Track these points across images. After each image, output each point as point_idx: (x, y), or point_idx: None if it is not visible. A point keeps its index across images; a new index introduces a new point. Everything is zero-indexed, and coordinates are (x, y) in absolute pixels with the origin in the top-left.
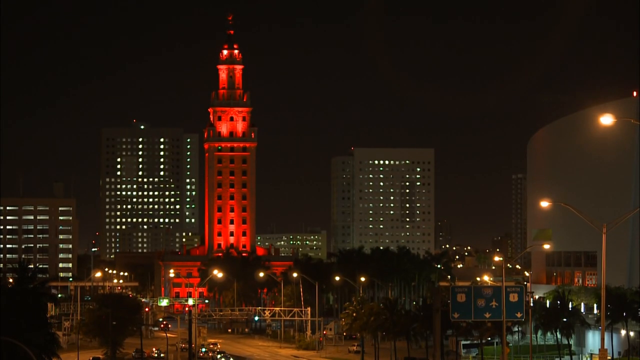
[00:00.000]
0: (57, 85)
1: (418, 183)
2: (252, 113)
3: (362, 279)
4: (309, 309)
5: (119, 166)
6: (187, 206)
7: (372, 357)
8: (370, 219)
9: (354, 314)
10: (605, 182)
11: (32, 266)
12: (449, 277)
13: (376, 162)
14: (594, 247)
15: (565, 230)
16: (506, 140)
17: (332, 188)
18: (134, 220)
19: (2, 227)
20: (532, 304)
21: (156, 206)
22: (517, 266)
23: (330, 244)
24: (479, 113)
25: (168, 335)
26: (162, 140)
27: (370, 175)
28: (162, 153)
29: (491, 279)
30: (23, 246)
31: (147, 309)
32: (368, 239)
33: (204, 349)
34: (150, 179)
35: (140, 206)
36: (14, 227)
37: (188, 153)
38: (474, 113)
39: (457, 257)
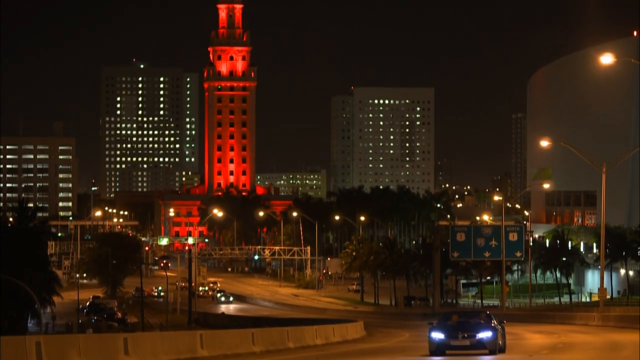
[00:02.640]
0: (57, 25)
1: (418, 122)
2: (252, 52)
3: (362, 218)
4: (308, 248)
5: (118, 105)
6: (187, 145)
7: (372, 295)
8: (370, 158)
9: (354, 253)
10: (605, 122)
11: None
12: (448, 216)
13: (376, 101)
14: (594, 186)
15: (564, 169)
16: (506, 79)
17: (332, 127)
18: (134, 159)
19: (1, 166)
20: (531, 243)
21: (156, 145)
22: (517, 205)
23: (330, 183)
24: (479, 52)
25: (168, 274)
26: (161, 79)
27: (370, 115)
28: (161, 92)
29: (491, 218)
30: (23, 185)
31: (147, 248)
32: (368, 178)
33: (204, 288)
34: (150, 118)
35: (140, 145)
36: (13, 167)
37: (188, 92)
38: (474, 52)
39: (456, 196)
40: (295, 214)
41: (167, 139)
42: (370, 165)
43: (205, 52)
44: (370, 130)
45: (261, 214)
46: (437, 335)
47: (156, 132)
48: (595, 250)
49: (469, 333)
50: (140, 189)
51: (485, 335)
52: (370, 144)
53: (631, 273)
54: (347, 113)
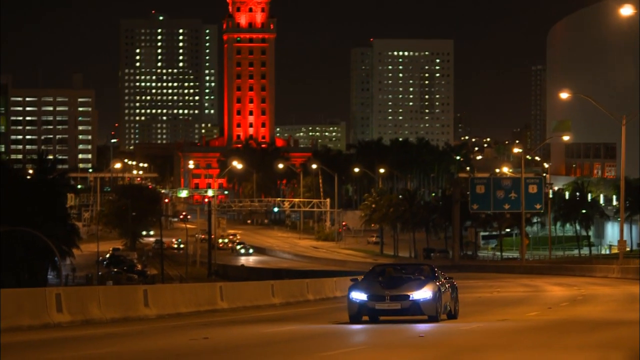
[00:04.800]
0: None
1: (437, 74)
2: (271, 4)
3: (381, 170)
4: (328, 200)
5: (138, 58)
6: (206, 97)
7: (391, 248)
8: (389, 110)
9: (373, 206)
10: (625, 74)
11: (51, 157)
12: (468, 168)
13: (395, 53)
14: (614, 138)
15: (584, 121)
16: (526, 31)
17: (351, 79)
18: (153, 111)
19: (21, 118)
20: (551, 196)
21: (175, 97)
22: (537, 158)
23: (349, 135)
24: (499, 4)
25: (187, 226)
26: (180, 31)
27: (390, 67)
28: (180, 44)
29: (510, 170)
30: (42, 137)
31: (166, 200)
32: (387, 130)
33: (223, 240)
34: (169, 70)
35: (159, 97)
36: (33, 119)
37: (207, 44)
38: (494, 4)
39: (476, 148)
40: (314, 166)
41: (186, 91)
42: (389, 118)
43: (224, 4)
44: (390, 82)
45: (280, 166)
46: (358, 296)
47: (175, 84)
48: (614, 203)
49: (400, 292)
50: (159, 141)
51: (422, 295)
52: (390, 96)
53: None
54: (367, 65)
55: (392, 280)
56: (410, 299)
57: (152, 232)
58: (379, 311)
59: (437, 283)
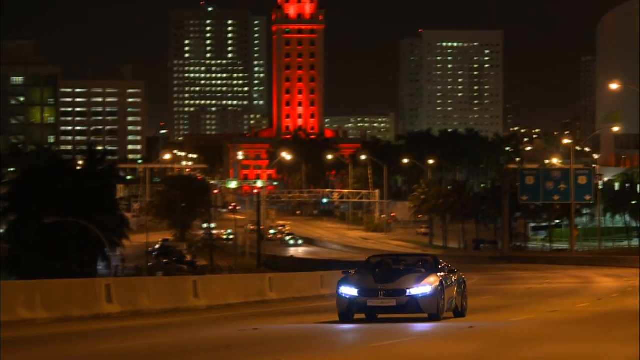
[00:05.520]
0: None
1: (487, 65)
2: None
3: (431, 161)
4: (377, 191)
5: (187, 49)
6: (255, 88)
7: (440, 239)
8: (439, 101)
9: (422, 197)
10: None
11: (101, 148)
12: (517, 159)
13: (444, 44)
14: None
15: (634, 112)
16: (576, 22)
17: (400, 71)
18: (202, 102)
19: (71, 109)
20: (600, 187)
21: (224, 88)
22: (586, 149)
23: (398, 126)
24: None
25: (236, 217)
26: (230, 22)
27: (439, 58)
28: (230, 35)
29: (560, 161)
30: (92, 128)
31: (215, 191)
32: (436, 121)
33: (272, 231)
34: (219, 61)
35: (208, 88)
36: (82, 110)
37: (256, 35)
38: None
39: (525, 139)
40: (363, 157)
41: (235, 82)
42: (438, 109)
43: None
44: (439, 73)
45: (330, 157)
46: (348, 291)
47: (224, 76)
48: None
49: (396, 287)
50: (208, 132)
51: (421, 290)
52: (439, 87)
53: None
54: (416, 56)
55: (388, 273)
56: (407, 294)
57: (213, 225)
58: (371, 308)
59: (440, 276)
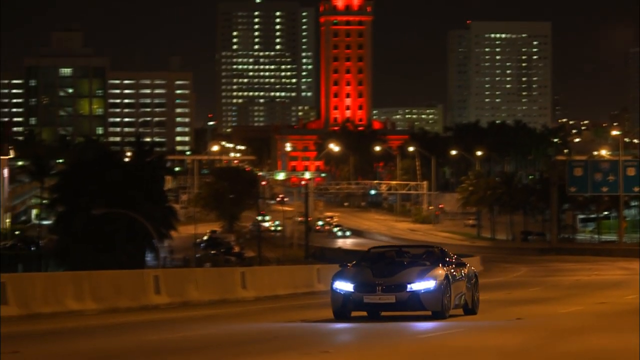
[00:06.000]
0: None
1: (535, 56)
2: None
3: (479, 153)
4: (425, 182)
5: (235, 40)
6: (303, 80)
7: (488, 230)
8: (487, 92)
9: (470, 188)
10: None
11: (149, 140)
12: (565, 151)
13: (492, 35)
14: None
15: None
16: (625, 12)
17: (449, 62)
18: (250, 94)
19: (119, 101)
20: None
21: (272, 80)
22: (635, 140)
23: (446, 117)
24: None
25: (284, 208)
26: (277, 14)
27: (487, 49)
28: (277, 27)
29: (608, 153)
30: (140, 120)
31: (263, 183)
32: (484, 112)
33: (320, 223)
34: (266, 53)
35: (256, 80)
36: (131, 101)
37: (304, 27)
38: None
39: (574, 131)
40: (411, 148)
41: (283, 74)
42: (486, 100)
43: None
44: (487, 64)
45: (378, 148)
46: (343, 286)
47: (272, 67)
48: None
49: (396, 282)
50: (256, 124)
51: (423, 285)
52: (487, 78)
53: None
54: (464, 47)
55: (389, 266)
56: (408, 289)
57: (267, 218)
58: (368, 305)
59: (446, 270)
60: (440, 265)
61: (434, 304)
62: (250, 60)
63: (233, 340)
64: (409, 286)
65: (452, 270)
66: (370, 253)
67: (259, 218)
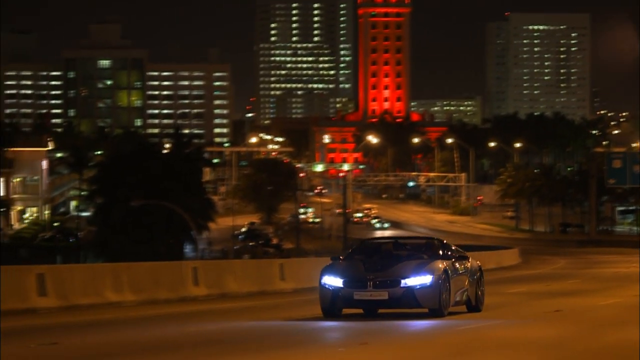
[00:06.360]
0: None
1: (573, 48)
2: None
3: (517, 144)
4: (463, 174)
5: (273, 32)
6: (342, 72)
7: (527, 222)
8: (525, 84)
9: (509, 180)
10: None
11: (187, 132)
12: (604, 142)
13: (531, 27)
14: None
15: None
16: None
17: (487, 54)
18: (288, 85)
19: (157, 92)
20: None
21: (310, 72)
22: None
23: (484, 109)
24: None
25: (323, 200)
26: (316, 5)
27: (525, 41)
28: (316, 19)
29: None
30: (178, 112)
31: (302, 174)
32: (523, 104)
33: (359, 214)
34: (305, 45)
35: (294, 72)
36: (169, 93)
37: (342, 19)
38: None
39: (612, 122)
40: (450, 140)
41: (321, 66)
42: (525, 92)
43: None
44: (525, 56)
45: (416, 140)
46: (331, 281)
47: (310, 59)
48: None
49: (389, 277)
50: (294, 116)
51: (419, 281)
52: (525, 70)
53: None
54: (502, 39)
55: (382, 260)
56: (403, 285)
57: (310, 210)
58: (359, 302)
59: (445, 263)
60: (440, 258)
61: (431, 301)
62: (289, 52)
63: (272, 331)
64: (403, 281)
65: (453, 264)
66: (365, 245)
67: (301, 210)
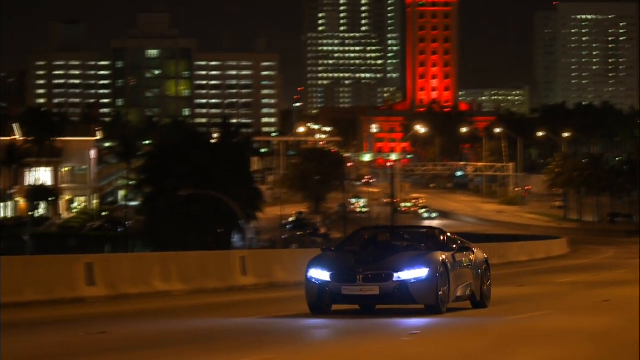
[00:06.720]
0: None
1: (622, 38)
2: None
3: (565, 134)
4: (511, 164)
5: (321, 22)
6: (389, 61)
7: (575, 212)
8: (574, 74)
9: (557, 170)
10: None
11: (235, 121)
12: None
13: (579, 16)
14: None
15: None
16: None
17: (535, 43)
18: (336, 75)
19: (205, 82)
20: None
21: (358, 61)
22: None
23: (533, 99)
24: None
25: (371, 190)
26: None
27: (574, 30)
28: (363, 8)
29: None
30: (226, 101)
31: (350, 164)
32: (571, 94)
33: (407, 204)
34: (353, 34)
35: (342, 61)
36: (217, 83)
37: (390, 8)
38: None
39: None
40: (498, 130)
41: (369, 55)
42: (573, 81)
43: None
44: (574, 46)
45: (464, 130)
46: (318, 274)
47: (358, 48)
48: None
49: (381, 270)
50: (342, 105)
51: (414, 274)
52: (574, 60)
53: None
54: (551, 28)
55: (376, 251)
56: (395, 279)
57: (361, 200)
58: (348, 298)
59: (444, 256)
60: (439, 249)
61: (427, 296)
62: (337, 41)
63: (318, 325)
64: (395, 275)
65: (454, 256)
66: (359, 234)
67: (353, 200)
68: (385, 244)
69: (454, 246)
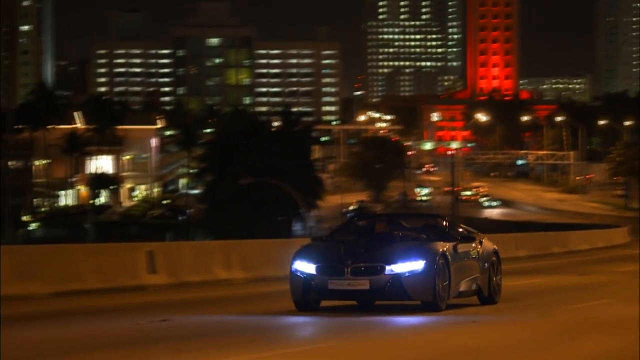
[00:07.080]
0: None
1: None
2: None
3: (627, 122)
4: (572, 152)
5: (381, 10)
6: (450, 49)
7: (637, 201)
8: (635, 62)
9: (619, 158)
10: None
11: (296, 110)
12: None
13: None
14: None
15: None
16: None
17: (597, 31)
18: (397, 63)
19: (266, 71)
20: None
21: (419, 49)
22: None
23: (594, 87)
24: None
25: (431, 178)
26: None
27: (635, 18)
28: None
29: None
30: (287, 90)
31: (410, 152)
32: (633, 82)
33: (468, 192)
34: (413, 22)
35: (403, 50)
36: (278, 71)
37: None
38: None
39: None
40: (559, 118)
41: (429, 43)
42: (635, 70)
43: None
44: (635, 34)
45: (525, 118)
46: (303, 267)
47: (419, 37)
48: None
49: (371, 263)
50: (403, 94)
51: (409, 267)
52: (635, 48)
53: None
54: (612, 16)
55: (369, 242)
56: (388, 272)
57: (425, 189)
58: (335, 293)
59: (445, 247)
60: (439, 239)
61: (423, 291)
62: (397, 29)
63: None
64: (388, 267)
65: (455, 247)
66: (352, 223)
67: (418, 190)
68: (382, 233)
69: (457, 236)
